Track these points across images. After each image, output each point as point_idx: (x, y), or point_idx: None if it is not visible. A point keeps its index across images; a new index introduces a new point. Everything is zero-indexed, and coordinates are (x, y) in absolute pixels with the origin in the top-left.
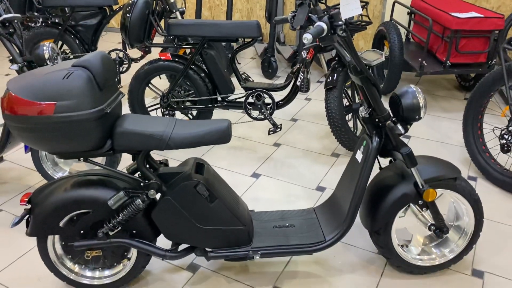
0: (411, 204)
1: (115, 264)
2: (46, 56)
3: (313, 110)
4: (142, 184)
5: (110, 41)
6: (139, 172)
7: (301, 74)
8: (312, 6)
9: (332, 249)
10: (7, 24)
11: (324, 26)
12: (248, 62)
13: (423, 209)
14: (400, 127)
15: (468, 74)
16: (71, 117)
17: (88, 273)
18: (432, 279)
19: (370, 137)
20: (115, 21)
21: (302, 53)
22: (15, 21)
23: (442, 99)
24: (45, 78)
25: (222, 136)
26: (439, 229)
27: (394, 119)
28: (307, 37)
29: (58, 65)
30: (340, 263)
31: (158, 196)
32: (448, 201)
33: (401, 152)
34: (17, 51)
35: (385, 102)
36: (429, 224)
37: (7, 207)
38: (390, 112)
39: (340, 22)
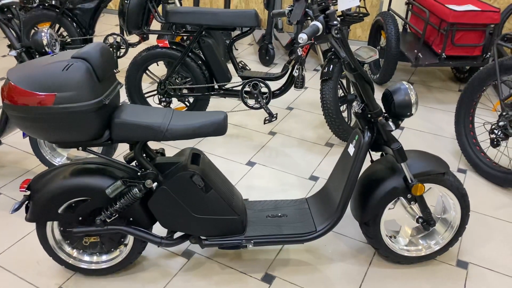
0: (400, 197)
1: (112, 249)
2: (45, 42)
3: (309, 99)
4: (139, 173)
5: (107, 23)
6: (136, 161)
7: (296, 70)
8: (309, 1)
9: (323, 238)
10: (5, 9)
11: (320, 25)
12: (246, 48)
13: (412, 202)
14: (391, 123)
15: (463, 66)
16: (70, 108)
17: (86, 258)
18: (418, 269)
19: (362, 132)
20: (113, 3)
21: (298, 50)
22: (13, 6)
23: (436, 90)
24: (45, 69)
25: (218, 128)
26: (426, 222)
27: (386, 114)
28: (302, 37)
29: (58, 56)
30: (331, 251)
31: (154, 185)
32: (436, 195)
33: (392, 148)
34: (16, 36)
35: (380, 93)
36: (417, 216)
37: (5, 190)
38: (383, 107)
39: (335, 22)
